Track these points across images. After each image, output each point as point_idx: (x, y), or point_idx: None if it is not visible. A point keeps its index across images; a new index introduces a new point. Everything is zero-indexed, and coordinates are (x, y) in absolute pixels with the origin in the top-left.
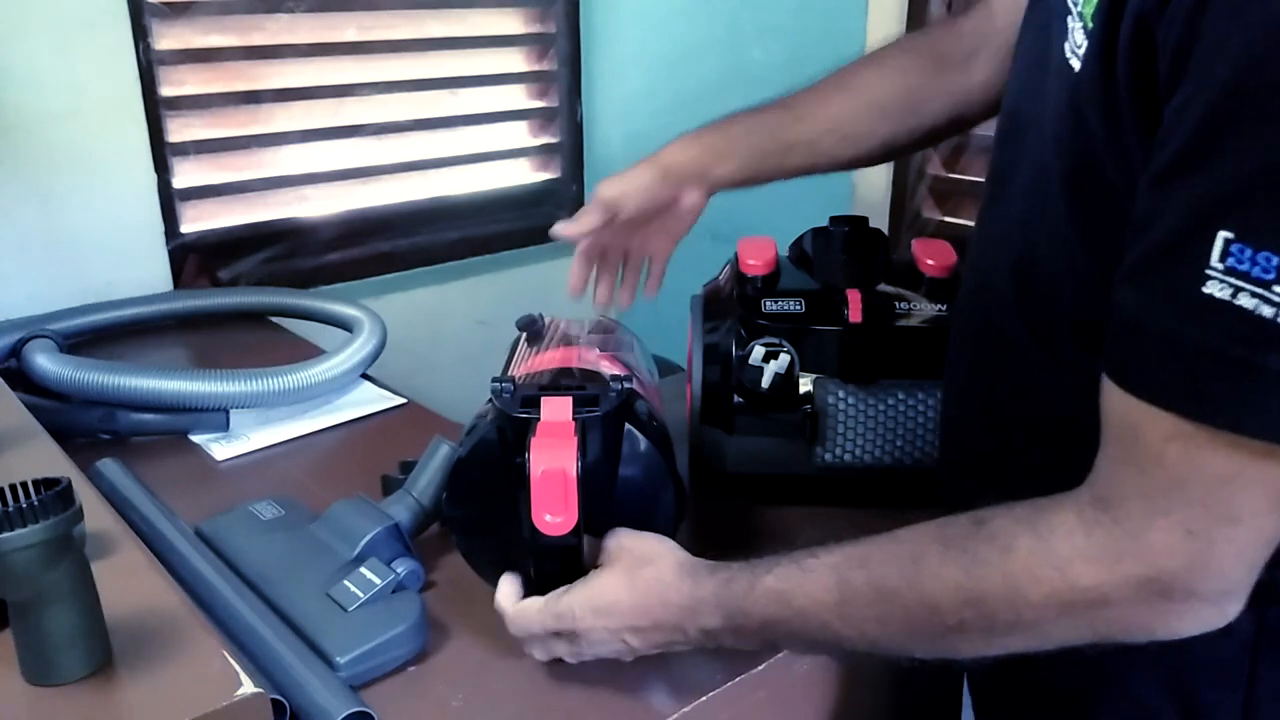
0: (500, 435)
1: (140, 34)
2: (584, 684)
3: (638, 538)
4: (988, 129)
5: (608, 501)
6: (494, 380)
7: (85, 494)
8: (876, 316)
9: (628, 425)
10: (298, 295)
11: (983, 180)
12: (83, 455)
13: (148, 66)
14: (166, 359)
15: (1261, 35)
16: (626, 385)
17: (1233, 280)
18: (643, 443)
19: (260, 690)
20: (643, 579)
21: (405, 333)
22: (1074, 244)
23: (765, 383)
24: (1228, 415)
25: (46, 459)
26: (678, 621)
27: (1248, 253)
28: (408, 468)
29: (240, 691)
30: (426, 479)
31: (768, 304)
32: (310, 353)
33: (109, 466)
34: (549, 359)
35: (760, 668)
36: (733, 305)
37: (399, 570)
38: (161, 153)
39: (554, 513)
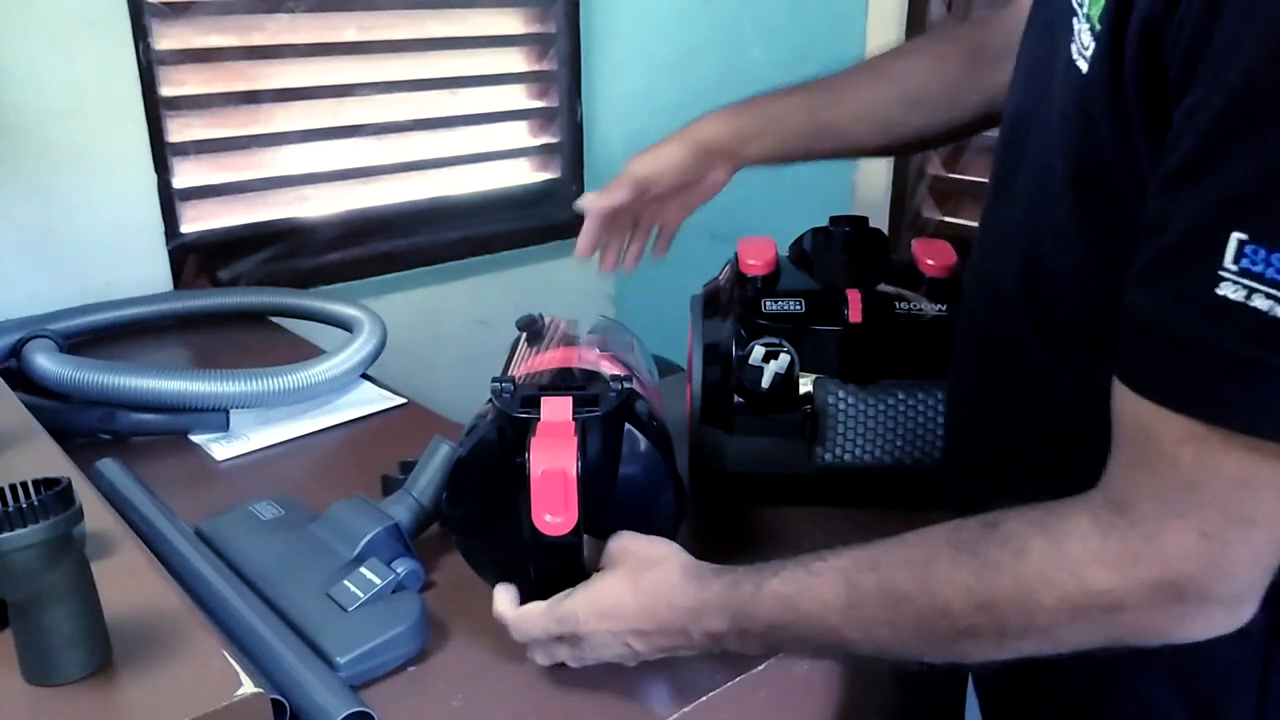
0: (500, 435)
1: (140, 34)
2: (584, 684)
3: (641, 540)
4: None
5: (608, 501)
6: (494, 380)
7: (85, 494)
8: (876, 316)
9: (628, 425)
10: (298, 295)
11: (983, 180)
12: (83, 455)
13: (148, 66)
14: (166, 359)
15: (1273, 39)
16: (626, 385)
17: (1247, 282)
18: (643, 443)
19: (260, 690)
20: (647, 581)
21: (405, 333)
22: (1079, 245)
23: (765, 383)
24: (1242, 417)
25: (46, 459)
26: (682, 624)
27: (1262, 254)
28: (408, 468)
29: (240, 691)
30: (426, 479)
31: (768, 304)
32: (310, 353)
33: (109, 466)
34: (549, 359)
35: (761, 668)
36: (733, 305)
37: (399, 570)
38: (161, 153)
39: (554, 513)
